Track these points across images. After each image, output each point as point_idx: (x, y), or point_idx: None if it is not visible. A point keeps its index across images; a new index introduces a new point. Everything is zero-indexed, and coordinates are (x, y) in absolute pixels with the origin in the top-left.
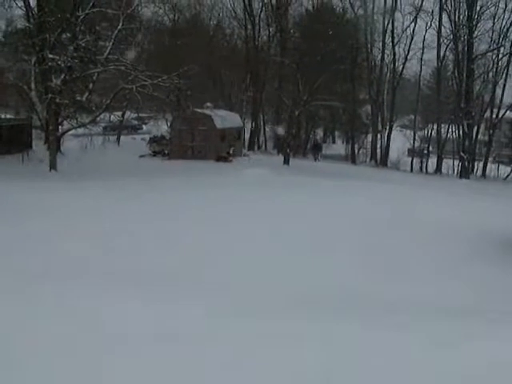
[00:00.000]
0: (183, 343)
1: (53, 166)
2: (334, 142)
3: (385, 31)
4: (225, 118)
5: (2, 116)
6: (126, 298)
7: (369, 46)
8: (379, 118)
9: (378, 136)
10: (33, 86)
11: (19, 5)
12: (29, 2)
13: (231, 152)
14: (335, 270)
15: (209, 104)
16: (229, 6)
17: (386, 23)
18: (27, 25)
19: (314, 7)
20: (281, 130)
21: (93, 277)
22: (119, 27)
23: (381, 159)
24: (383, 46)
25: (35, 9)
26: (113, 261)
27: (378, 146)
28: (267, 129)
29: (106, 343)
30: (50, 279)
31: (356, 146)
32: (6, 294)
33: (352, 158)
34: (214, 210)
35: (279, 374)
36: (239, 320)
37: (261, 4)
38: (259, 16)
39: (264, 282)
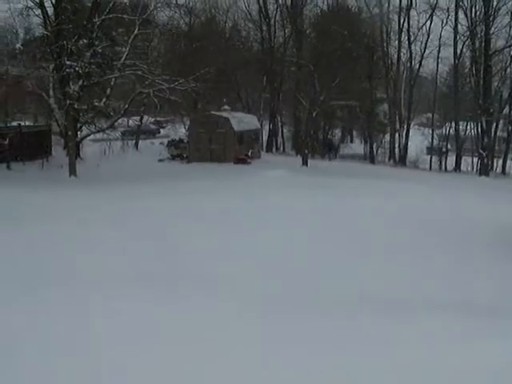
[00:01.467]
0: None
1: (72, 171)
2: (351, 141)
3: (401, 30)
4: (242, 120)
5: (22, 123)
6: (177, 299)
7: (385, 44)
8: (397, 117)
9: (396, 135)
10: (51, 92)
11: (37, 13)
12: (46, 11)
13: (249, 154)
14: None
15: (226, 106)
16: (244, 8)
17: (401, 21)
18: (45, 32)
19: (329, 7)
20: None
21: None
22: (135, 32)
23: (399, 158)
24: (399, 44)
25: (52, 17)
26: (151, 264)
27: (396, 144)
28: (285, 130)
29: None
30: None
31: (374, 145)
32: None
33: (370, 158)
34: (244, 212)
35: None
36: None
37: (276, 5)
38: (274, 17)
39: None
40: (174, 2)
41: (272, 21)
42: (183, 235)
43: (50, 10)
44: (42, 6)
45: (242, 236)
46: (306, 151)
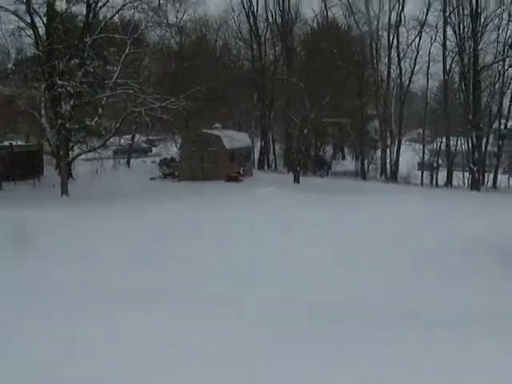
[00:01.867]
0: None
1: (64, 190)
2: (343, 158)
3: (390, 46)
4: (234, 138)
5: (14, 143)
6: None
7: (375, 61)
8: (388, 133)
9: (387, 151)
10: (43, 112)
11: (28, 33)
12: (38, 31)
13: (241, 172)
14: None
15: (217, 124)
16: (234, 26)
17: (391, 38)
18: (36, 52)
19: (318, 25)
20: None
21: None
22: (127, 52)
23: (391, 174)
24: (389, 61)
25: (44, 37)
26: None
27: (388, 160)
28: (277, 147)
29: None
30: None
31: (366, 161)
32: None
33: (362, 174)
34: (237, 229)
35: None
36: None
37: (266, 24)
38: (265, 36)
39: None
40: (165, 21)
41: (262, 39)
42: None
43: (42, 30)
44: (33, 26)
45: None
46: (298, 168)
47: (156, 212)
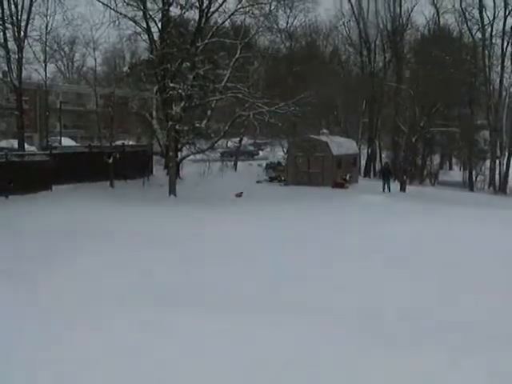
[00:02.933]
0: None
1: (172, 190)
2: (450, 168)
3: (504, 54)
4: (341, 145)
5: (125, 143)
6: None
7: (487, 69)
8: (498, 144)
9: (497, 162)
10: (154, 113)
11: (143, 38)
12: (152, 36)
13: (347, 178)
14: None
15: (325, 130)
16: (344, 33)
17: (505, 46)
18: (151, 56)
19: (429, 32)
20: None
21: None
22: (237, 56)
23: (499, 186)
24: (502, 69)
25: (158, 41)
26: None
27: (497, 172)
28: (383, 155)
29: None
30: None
31: (474, 172)
32: None
33: (469, 185)
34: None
35: None
36: None
37: (376, 30)
38: (375, 42)
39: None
40: (276, 26)
41: (372, 45)
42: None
43: (156, 35)
44: (149, 31)
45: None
46: (405, 177)
47: (271, 216)
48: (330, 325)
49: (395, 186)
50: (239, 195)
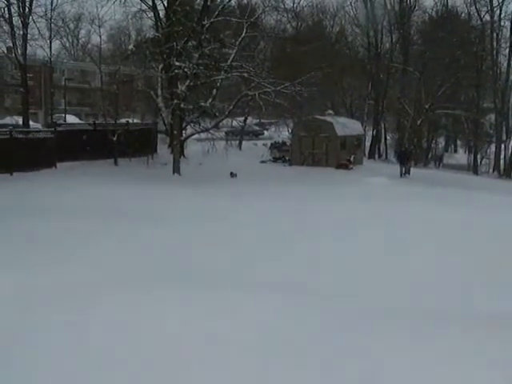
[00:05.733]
0: None
1: (176, 169)
2: (455, 151)
3: None
4: (346, 126)
5: (130, 121)
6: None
7: (494, 52)
8: (503, 128)
9: (502, 146)
10: (159, 92)
11: (149, 15)
12: (158, 13)
13: (352, 159)
14: None
15: (330, 111)
16: (351, 13)
17: None
18: (156, 34)
19: (437, 13)
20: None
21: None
22: (243, 35)
23: (504, 169)
24: (510, 52)
25: (164, 19)
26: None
27: (502, 156)
28: (388, 137)
29: None
30: None
31: (478, 155)
32: None
33: (474, 168)
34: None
35: None
36: None
37: (383, 11)
38: (382, 23)
39: None
40: (282, 6)
41: (379, 26)
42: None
43: (162, 13)
44: (154, 8)
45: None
46: (409, 159)
47: (269, 196)
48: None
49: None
50: (234, 176)
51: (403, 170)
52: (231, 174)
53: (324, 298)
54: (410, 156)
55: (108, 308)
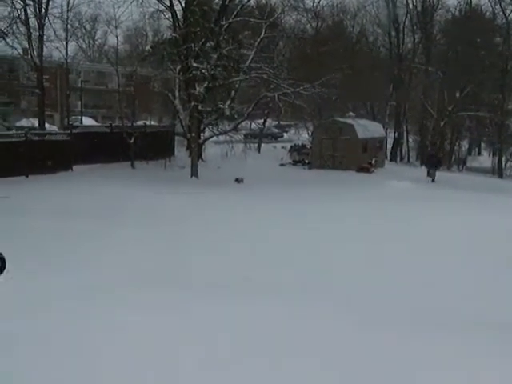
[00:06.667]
0: None
1: (194, 172)
2: (479, 153)
3: None
4: (367, 128)
5: (147, 123)
6: None
7: None
8: None
9: None
10: (177, 93)
11: (167, 16)
12: (176, 14)
13: (373, 163)
14: None
15: (351, 113)
16: (372, 12)
17: None
18: (173, 35)
19: (461, 12)
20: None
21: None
22: (262, 36)
23: None
24: None
25: (181, 20)
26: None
27: None
28: (410, 139)
29: None
30: None
31: (503, 158)
32: None
33: (499, 171)
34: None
35: None
36: None
37: (405, 10)
38: (404, 23)
39: None
40: (302, 5)
41: (401, 26)
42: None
43: (179, 14)
44: (172, 9)
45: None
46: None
47: (290, 199)
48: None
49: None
50: (240, 181)
51: (431, 174)
52: (237, 179)
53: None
54: (439, 160)
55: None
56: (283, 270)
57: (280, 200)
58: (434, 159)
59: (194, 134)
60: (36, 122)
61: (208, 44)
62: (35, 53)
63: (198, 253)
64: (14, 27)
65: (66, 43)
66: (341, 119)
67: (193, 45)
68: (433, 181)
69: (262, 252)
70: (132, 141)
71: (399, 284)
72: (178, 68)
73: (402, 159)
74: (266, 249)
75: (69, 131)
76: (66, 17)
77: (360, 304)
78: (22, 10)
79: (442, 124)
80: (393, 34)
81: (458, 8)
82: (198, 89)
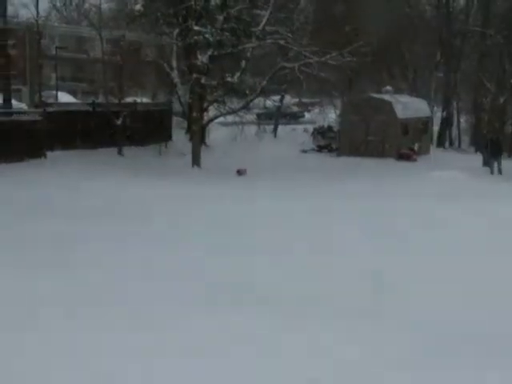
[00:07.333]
0: None
1: (196, 161)
2: None
3: None
4: (408, 106)
5: (138, 100)
6: None
7: None
8: None
9: None
10: (174, 64)
11: None
12: None
13: (416, 148)
14: None
15: (388, 88)
16: None
17: None
18: None
19: None
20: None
21: None
22: None
23: None
24: None
25: None
26: None
27: None
28: (462, 119)
29: None
30: None
31: None
32: None
33: None
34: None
35: None
36: None
37: None
38: None
39: None
40: None
41: None
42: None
43: None
44: None
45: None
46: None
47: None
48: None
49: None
50: (242, 172)
51: (490, 164)
52: (238, 171)
53: None
54: (500, 147)
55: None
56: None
57: (300, 197)
58: (496, 146)
59: (195, 114)
60: (0, 99)
61: (213, 2)
62: None
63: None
64: None
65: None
66: (376, 95)
67: (193, 3)
68: (500, 173)
69: None
70: (119, 122)
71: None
72: (176, 32)
73: (451, 144)
74: None
75: (41, 110)
76: None
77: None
78: None
79: (501, 100)
80: None
81: None
82: (200, 58)
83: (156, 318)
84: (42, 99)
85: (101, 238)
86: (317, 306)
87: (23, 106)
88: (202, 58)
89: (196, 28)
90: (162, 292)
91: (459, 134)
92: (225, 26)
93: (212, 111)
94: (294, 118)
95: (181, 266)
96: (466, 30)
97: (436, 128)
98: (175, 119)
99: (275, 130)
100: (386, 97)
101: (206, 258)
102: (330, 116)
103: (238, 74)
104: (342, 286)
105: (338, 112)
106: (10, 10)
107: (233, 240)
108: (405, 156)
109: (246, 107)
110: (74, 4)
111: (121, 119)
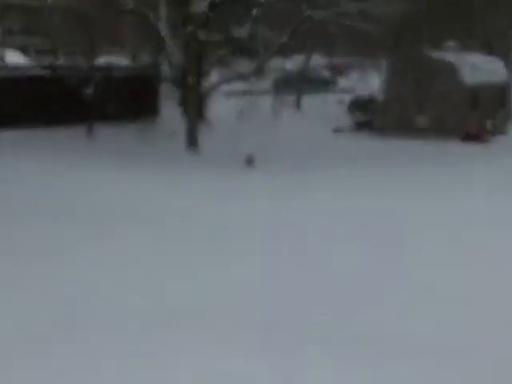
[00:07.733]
0: None
1: (192, 142)
2: None
3: None
4: (478, 69)
5: (114, 62)
6: None
7: None
8: None
9: None
10: (162, 13)
11: None
12: None
13: (489, 127)
14: None
15: (451, 44)
16: None
17: None
18: None
19: None
20: None
21: None
22: None
23: None
24: None
25: None
26: None
27: None
28: None
29: None
30: None
31: None
32: None
33: None
34: None
35: None
36: None
37: None
38: None
39: None
40: None
41: None
42: None
43: None
44: None
45: None
46: None
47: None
48: None
49: None
50: (249, 160)
51: None
52: (247, 159)
53: None
54: None
55: None
56: None
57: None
58: None
59: (191, 80)
60: None
61: None
62: None
63: None
64: None
65: None
66: (434, 54)
67: None
68: None
69: None
70: (89, 92)
71: None
72: None
73: None
74: None
75: None
76: None
77: None
78: None
79: None
80: None
81: None
82: (197, 5)
83: None
84: None
85: None
86: None
87: None
88: (200, 6)
89: None
90: None
91: None
92: None
93: (214, 76)
94: (324, 84)
95: None
96: None
97: None
98: (164, 87)
99: (298, 101)
100: (449, 56)
101: None
102: (373, 83)
103: (247, 26)
104: None
105: (381, 77)
106: None
107: None
108: (473, 137)
109: (260, 71)
110: None
111: (91, 88)
